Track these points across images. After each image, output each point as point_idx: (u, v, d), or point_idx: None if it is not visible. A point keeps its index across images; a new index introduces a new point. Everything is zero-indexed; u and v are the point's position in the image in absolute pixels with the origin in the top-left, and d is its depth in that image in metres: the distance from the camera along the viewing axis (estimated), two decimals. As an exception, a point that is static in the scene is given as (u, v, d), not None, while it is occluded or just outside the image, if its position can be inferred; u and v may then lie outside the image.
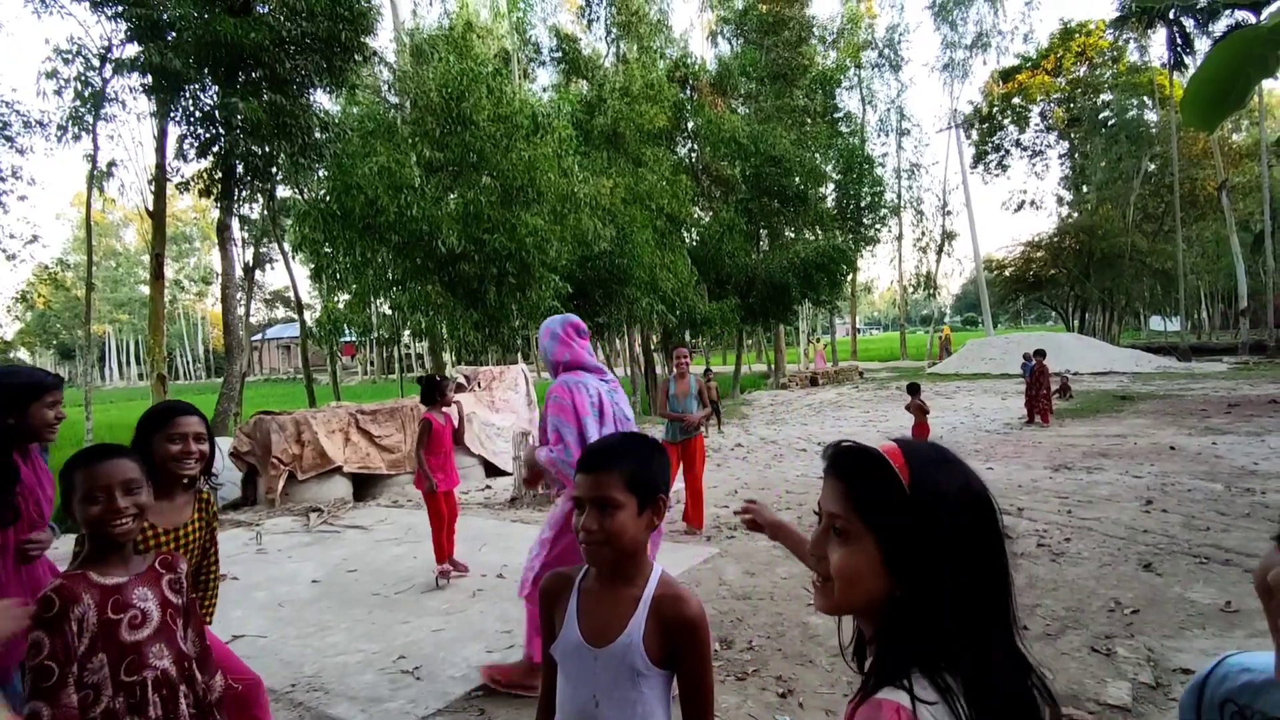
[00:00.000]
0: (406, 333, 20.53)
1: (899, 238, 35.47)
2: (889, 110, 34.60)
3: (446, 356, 17.21)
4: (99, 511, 1.66)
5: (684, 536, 6.02)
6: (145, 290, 49.40)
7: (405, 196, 11.62)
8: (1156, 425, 11.16)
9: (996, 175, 38.82)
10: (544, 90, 22.79)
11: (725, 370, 24.95)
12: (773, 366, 28.16)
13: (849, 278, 28.09)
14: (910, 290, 38.23)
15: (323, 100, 13.42)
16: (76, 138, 11.80)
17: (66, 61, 11.30)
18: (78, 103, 11.50)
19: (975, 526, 0.86)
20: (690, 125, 21.55)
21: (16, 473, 2.17)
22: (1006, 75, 37.43)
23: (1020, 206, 40.93)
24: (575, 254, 13.59)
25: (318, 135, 11.65)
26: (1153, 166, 33.80)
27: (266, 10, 11.26)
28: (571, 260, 13.40)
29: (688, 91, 22.16)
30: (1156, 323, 50.89)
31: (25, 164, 13.79)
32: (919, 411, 9.08)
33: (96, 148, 12.08)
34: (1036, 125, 39.19)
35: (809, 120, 25.41)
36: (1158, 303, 42.32)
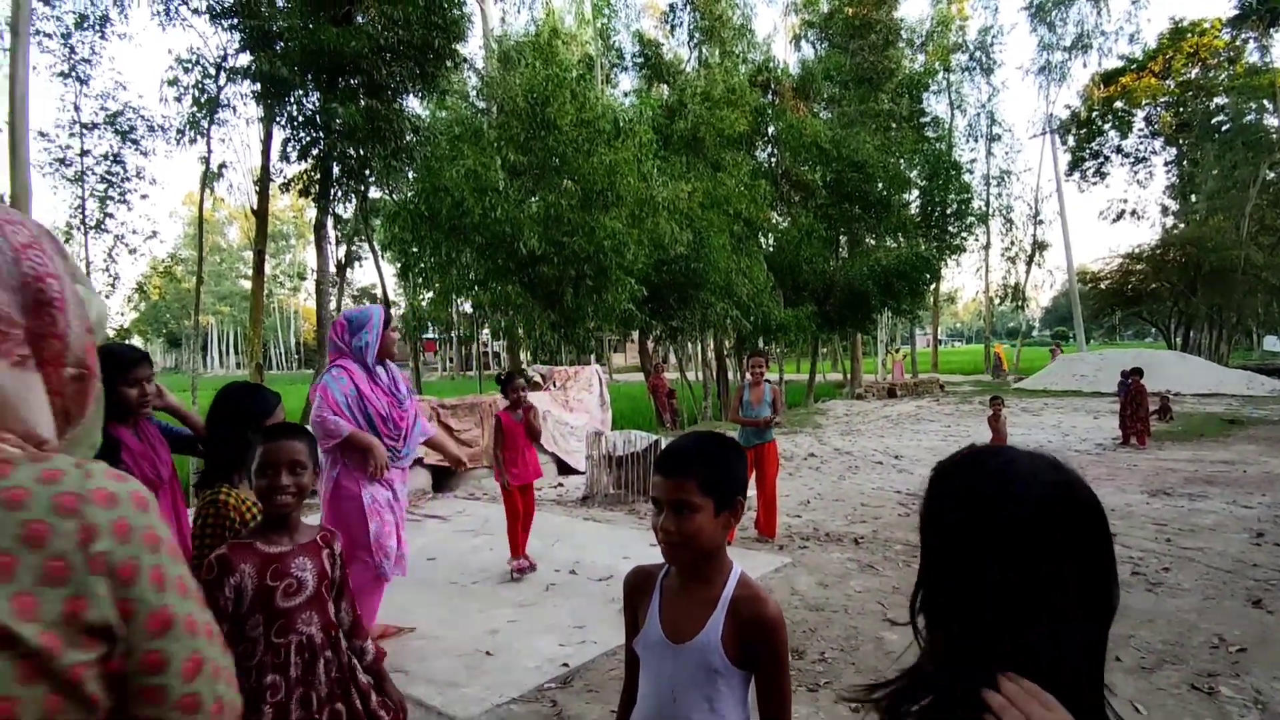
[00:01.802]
0: (485, 331, 21.11)
1: (986, 246, 34.12)
2: (979, 115, 33.38)
3: (523, 355, 17.61)
4: (265, 485, 1.88)
5: (755, 544, 5.98)
6: (246, 284, 52.45)
7: (490, 199, 11.96)
8: (1270, 452, 10.37)
9: (1094, 183, 36.72)
10: (625, 95, 23.01)
11: (799, 379, 24.60)
12: (848, 376, 27.58)
13: (931, 287, 27.21)
14: (997, 302, 36.73)
15: (414, 105, 13.96)
16: (192, 141, 12.64)
17: (186, 70, 12.13)
18: (195, 108, 12.31)
19: (971, 532, 0.84)
20: (771, 130, 21.36)
21: (118, 444, 2.39)
22: (1109, 78, 35.45)
23: (1120, 216, 38.65)
24: (651, 257, 13.67)
25: (409, 139, 12.11)
26: (1272, 175, 31.39)
27: (366, 20, 11.80)
28: (647, 263, 13.49)
29: (769, 96, 21.97)
30: (1271, 342, 47.14)
31: (148, 165, 14.86)
32: (998, 426, 8.73)
33: (210, 150, 12.91)
34: (1140, 130, 36.94)
35: (894, 125, 24.79)
36: (1273, 321, 39.28)
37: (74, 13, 11.81)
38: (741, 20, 22.68)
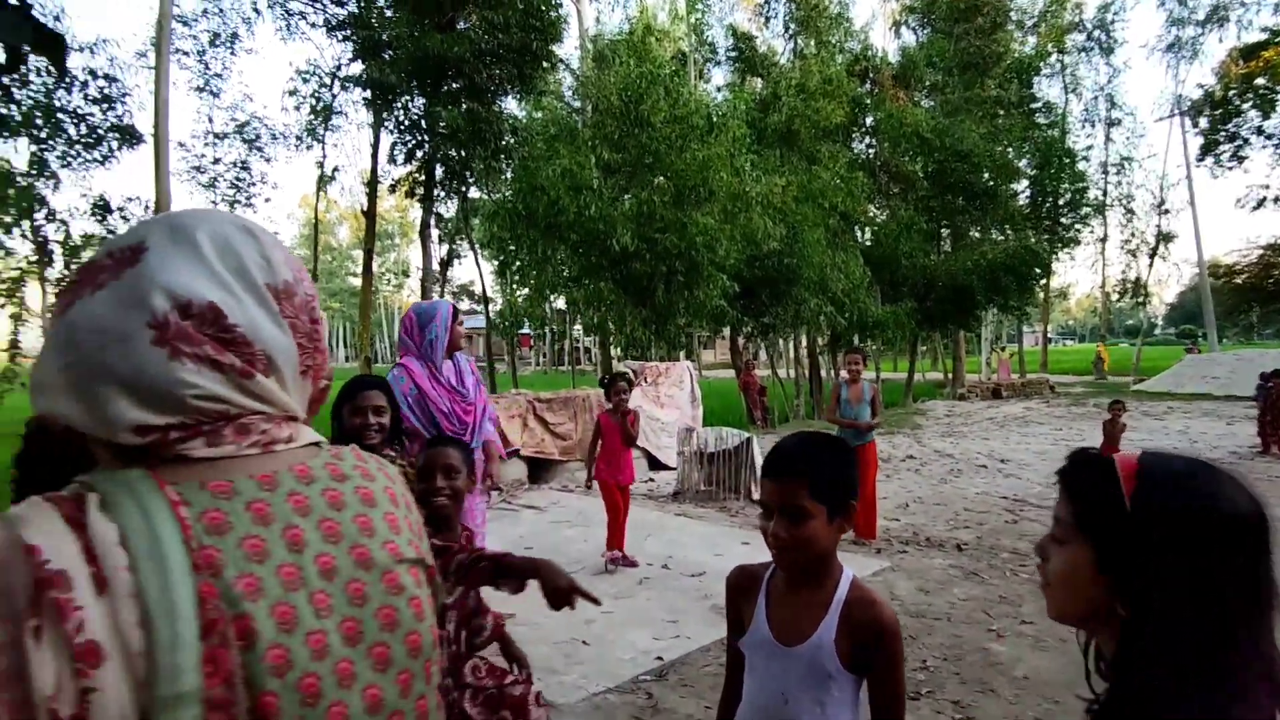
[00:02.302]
0: (577, 327, 21.49)
1: (1103, 239, 31.89)
2: (1096, 98, 31.18)
3: (614, 351, 17.82)
4: (423, 488, 2.10)
5: (852, 546, 5.84)
6: (355, 282, 55.50)
7: (584, 197, 12.15)
8: None
9: (1230, 168, 33.55)
10: (718, 90, 22.85)
11: (896, 377, 23.81)
12: (950, 375, 26.45)
13: (1042, 282, 25.71)
14: (1115, 298, 34.31)
15: (511, 107, 14.37)
16: (309, 147, 13.49)
17: (305, 80, 12.97)
18: (312, 116, 13.12)
19: (1207, 554, 0.79)
20: (869, 120, 20.73)
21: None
22: (1248, 53, 32.26)
23: (1260, 204, 35.18)
24: (744, 253, 13.54)
25: (507, 140, 12.49)
26: None
27: (467, 26, 12.25)
28: (740, 259, 13.37)
29: (867, 85, 21.31)
30: None
31: (270, 170, 15.93)
32: (1113, 433, 7.88)
33: (324, 155, 13.74)
34: (1286, 109, 33.62)
35: (1001, 112, 23.52)
36: None
37: (208, 31, 12.81)
38: (838, 8, 22.08)
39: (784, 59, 22.54)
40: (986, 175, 19.85)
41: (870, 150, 21.39)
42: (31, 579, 0.55)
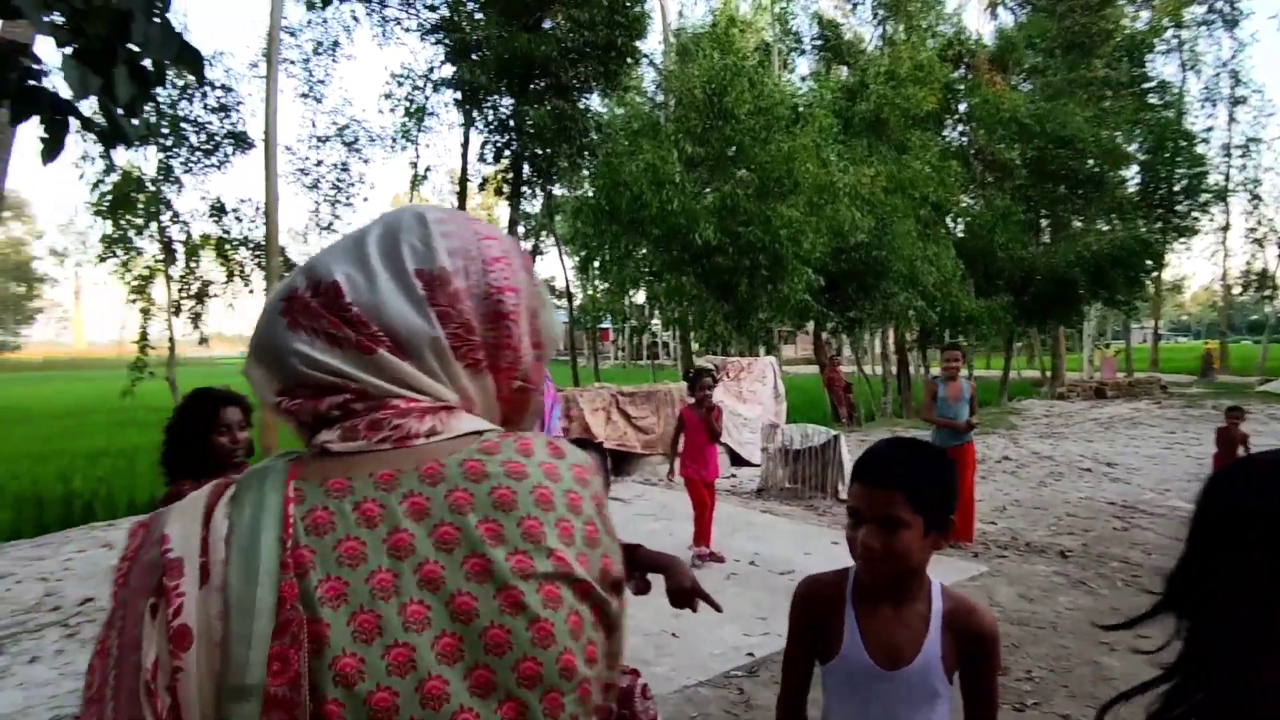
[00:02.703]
0: (656, 321, 21.56)
1: (1224, 227, 29.59)
2: (1218, 75, 28.88)
3: (694, 346, 17.79)
4: None
5: (948, 549, 5.63)
6: (442, 277, 57.31)
7: (667, 191, 12.17)
8: None
9: (1375, 147, 30.53)
10: (802, 80, 22.41)
11: (990, 375, 22.82)
12: (1048, 373, 25.16)
13: (1153, 274, 24.05)
14: (1236, 291, 31.76)
15: (595, 104, 14.53)
16: (403, 147, 14.03)
17: (399, 84, 13.47)
18: (406, 118, 13.64)
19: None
20: (962, 107, 19.89)
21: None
22: (1401, 19, 29.26)
23: None
24: (830, 246, 13.26)
25: (592, 136, 12.63)
26: None
27: (553, 25, 12.46)
28: (825, 252, 13.10)
29: (961, 70, 20.44)
30: None
31: (367, 171, 16.68)
32: (1229, 441, 7.05)
33: (418, 155, 14.26)
34: None
35: (1109, 93, 22.10)
36: None
37: (312, 40, 13.49)
38: (930, -8, 21.26)
39: (871, 46, 21.88)
40: (1091, 161, 18.72)
41: (964, 138, 20.52)
42: (158, 564, 0.61)
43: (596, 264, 14.73)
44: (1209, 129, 27.53)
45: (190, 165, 12.15)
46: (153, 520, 0.66)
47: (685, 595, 1.50)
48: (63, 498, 9.25)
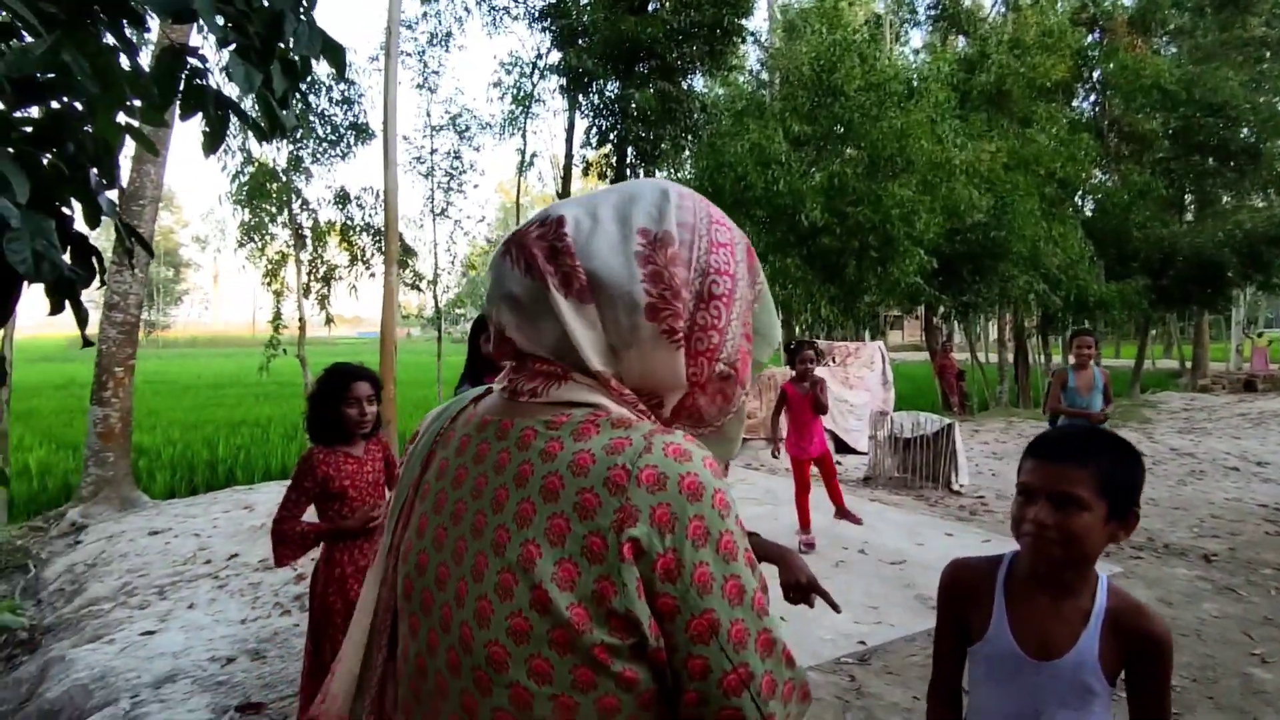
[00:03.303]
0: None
1: None
2: (1405, 27, 25.35)
3: (796, 331, 17.44)
4: None
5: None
6: (544, 261, 58.65)
7: (772, 172, 11.92)
8: None
9: None
10: (916, 53, 21.36)
11: (1121, 364, 21.22)
12: (1188, 364, 23.11)
13: (1317, 255, 21.57)
14: None
15: (698, 84, 14.37)
16: (511, 134, 14.37)
17: (508, 72, 13.78)
18: (514, 105, 13.96)
19: None
20: (1096, 75, 18.40)
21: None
22: None
23: None
24: (944, 226, 12.62)
25: (697, 118, 12.52)
26: None
27: (658, 7, 12.39)
28: (939, 233, 12.47)
29: (1095, 35, 18.89)
30: None
31: (477, 158, 17.24)
32: None
33: (525, 142, 14.57)
34: None
35: (1268, 54, 19.86)
36: None
37: (427, 33, 13.98)
38: (1061, -49, 19.72)
39: (993, 13, 20.56)
40: (1246, 130, 16.91)
41: (1096, 108, 19.01)
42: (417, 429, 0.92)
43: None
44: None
45: (317, 156, 12.91)
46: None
47: (801, 590, 1.46)
48: (209, 463, 10.17)
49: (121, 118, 2.17)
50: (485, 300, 0.81)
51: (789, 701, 0.71)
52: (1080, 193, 17.30)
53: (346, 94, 13.03)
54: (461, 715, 0.68)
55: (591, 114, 13.23)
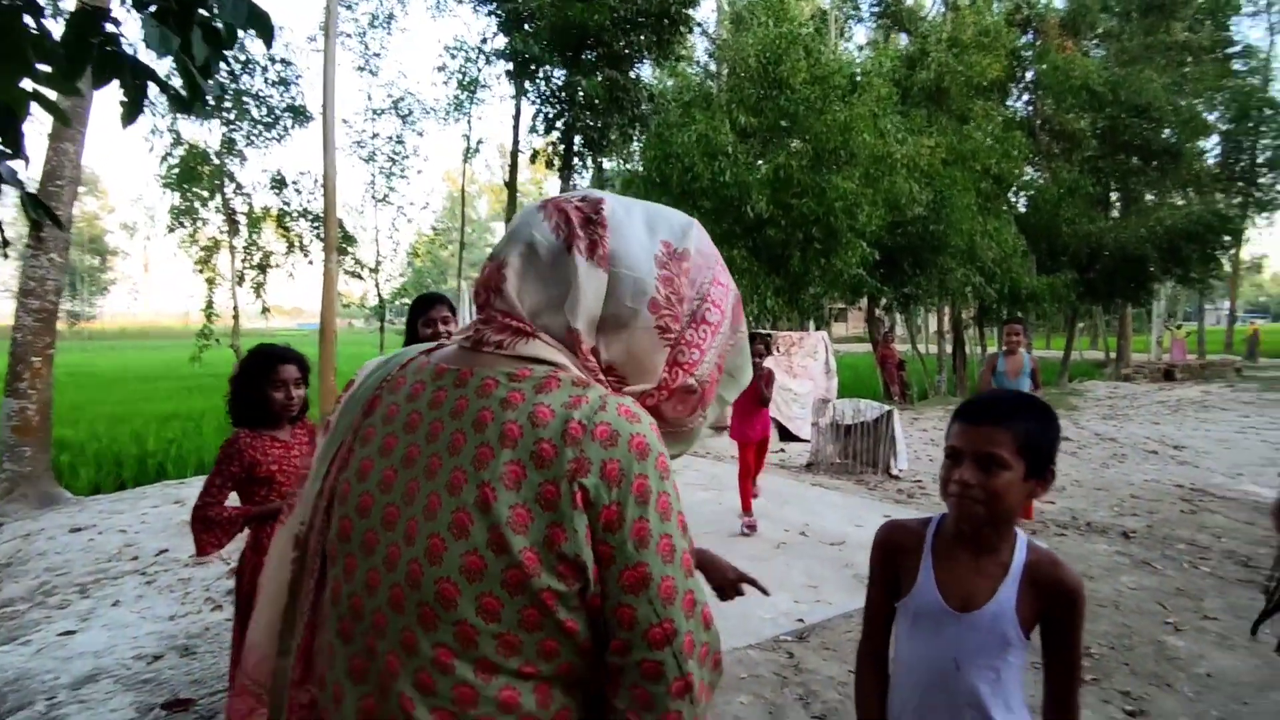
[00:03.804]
0: (705, 297, 21.42)
1: (1312, 202, 27.84)
2: (1311, 38, 26.99)
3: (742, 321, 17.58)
4: None
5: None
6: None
7: (719, 163, 11.99)
8: None
9: None
10: (860, 48, 21.77)
11: (1050, 355, 22.09)
12: (1112, 354, 24.22)
13: (1230, 252, 22.84)
14: (1322, 269, 29.91)
15: (647, 74, 14.36)
16: (456, 119, 14.13)
17: (453, 56, 13.54)
18: (459, 90, 13.72)
19: None
20: (1029, 74, 19.05)
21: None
22: None
23: None
24: (885, 219, 12.92)
25: (644, 107, 12.51)
26: None
27: (607, -7, 12.34)
28: (881, 226, 12.77)
29: (1029, 36, 19.56)
30: None
31: (421, 144, 16.90)
32: None
33: (471, 128, 14.35)
34: None
35: (1189, 59, 20.90)
36: None
37: (368, 14, 13.65)
38: (998, -47, 20.32)
39: (933, 12, 21.09)
40: (1168, 131, 17.78)
41: (1029, 107, 19.70)
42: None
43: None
44: (1298, 96, 25.79)
45: (252, 139, 12.48)
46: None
47: (731, 585, 1.49)
48: (137, 457, 9.74)
49: (28, 84, 2.05)
50: (500, 242, 0.84)
51: (704, 665, 0.73)
52: (1014, 189, 17.91)
53: (283, 74, 12.62)
54: (399, 652, 0.69)
55: (538, 101, 13.11)
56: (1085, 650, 3.46)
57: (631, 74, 12.96)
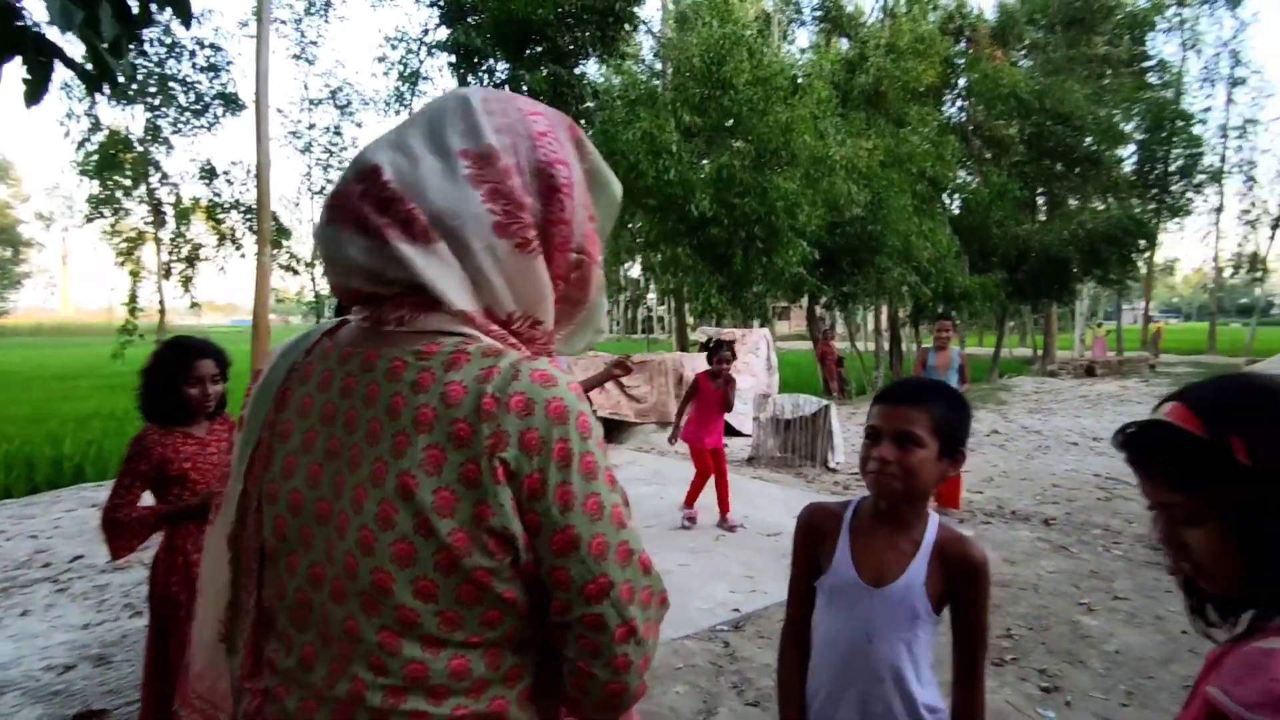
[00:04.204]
0: (650, 295, 21.57)
1: (1218, 209, 29.59)
2: (1218, 55, 28.67)
3: (689, 319, 17.76)
4: None
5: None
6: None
7: (663, 161, 12.05)
8: None
9: (1372, 130, 30.43)
10: (802, 51, 22.15)
11: (982, 352, 22.91)
12: (1039, 351, 25.28)
13: (1146, 255, 24.10)
14: (1229, 273, 31.87)
15: (591, 71, 14.31)
16: (397, 112, 13.83)
17: (393, 47, 13.25)
18: (400, 82, 13.43)
19: None
20: (962, 81, 19.72)
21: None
22: (1404, 0, 29.03)
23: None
24: (825, 219, 13.20)
25: (589, 104, 12.47)
26: None
27: (551, -13, 12.23)
28: (821, 226, 13.04)
29: (962, 44, 20.25)
30: None
31: (360, 135, 16.48)
32: None
33: (411, 121, 14.07)
34: None
35: (1109, 71, 21.97)
36: None
37: (305, 0, 13.24)
38: (933, -37, 20.96)
39: (872, 18, 21.63)
40: (1089, 139, 18.64)
41: (963, 113, 20.39)
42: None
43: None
44: (1207, 109, 27.39)
45: (179, 126, 11.96)
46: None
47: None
48: (52, 460, 9.23)
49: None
50: (329, 277, 0.78)
51: (648, 606, 0.76)
52: (948, 191, 18.50)
53: (212, 59, 12.13)
54: (346, 640, 0.70)
55: (481, 95, 12.92)
56: (1005, 632, 3.62)
57: (577, 70, 12.90)
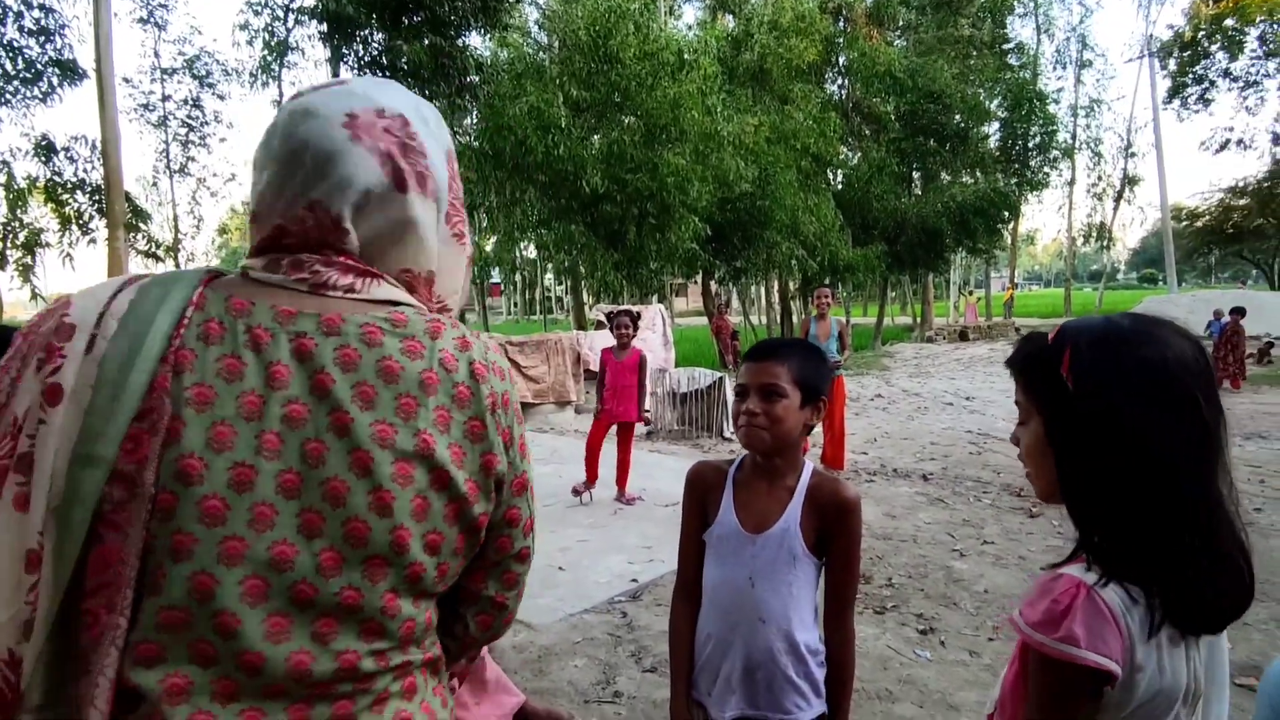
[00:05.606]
0: (549, 276, 21.28)
1: (1070, 183, 32.20)
2: (1068, 39, 31.09)
3: (586, 298, 17.69)
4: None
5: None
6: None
7: (553, 136, 11.87)
8: (1382, 397, 9.68)
9: (1196, 111, 33.71)
10: (689, 28, 22.27)
11: (866, 322, 24.04)
12: (918, 319, 26.81)
13: (1010, 226, 25.95)
14: (1080, 242, 34.79)
15: (475, 43, 13.84)
16: (265, 85, 12.90)
17: (256, 13, 12.32)
18: (266, 52, 12.53)
19: (1150, 409, 0.83)
20: (841, 60, 20.43)
21: None
22: (1220, -7, 32.32)
23: (1224, 146, 35.48)
24: (715, 195, 13.41)
25: (473, 77, 12.07)
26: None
27: (428, -46, 11.67)
28: (711, 201, 13.24)
29: (840, 24, 20.93)
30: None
31: (224, 109, 15.30)
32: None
33: (281, 94, 13.16)
34: (1253, 51, 33.72)
35: (974, 52, 23.35)
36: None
37: (149, -43, 12.06)
38: (812, -57, 21.48)
39: (756, -5, 22.00)
40: (958, 117, 19.79)
41: (842, 91, 21.14)
42: (55, 325, 0.66)
43: (482, 210, 14.27)
44: (1060, 90, 29.67)
45: (6, 97, 10.68)
46: (64, 297, 0.71)
47: None
48: None
49: None
50: (277, 200, 0.71)
51: (529, 534, 0.84)
52: (831, 167, 19.20)
53: (43, 22, 10.87)
54: (332, 617, 0.67)
55: (357, 67, 12.25)
56: (888, 581, 3.82)
57: (459, 42, 12.44)
